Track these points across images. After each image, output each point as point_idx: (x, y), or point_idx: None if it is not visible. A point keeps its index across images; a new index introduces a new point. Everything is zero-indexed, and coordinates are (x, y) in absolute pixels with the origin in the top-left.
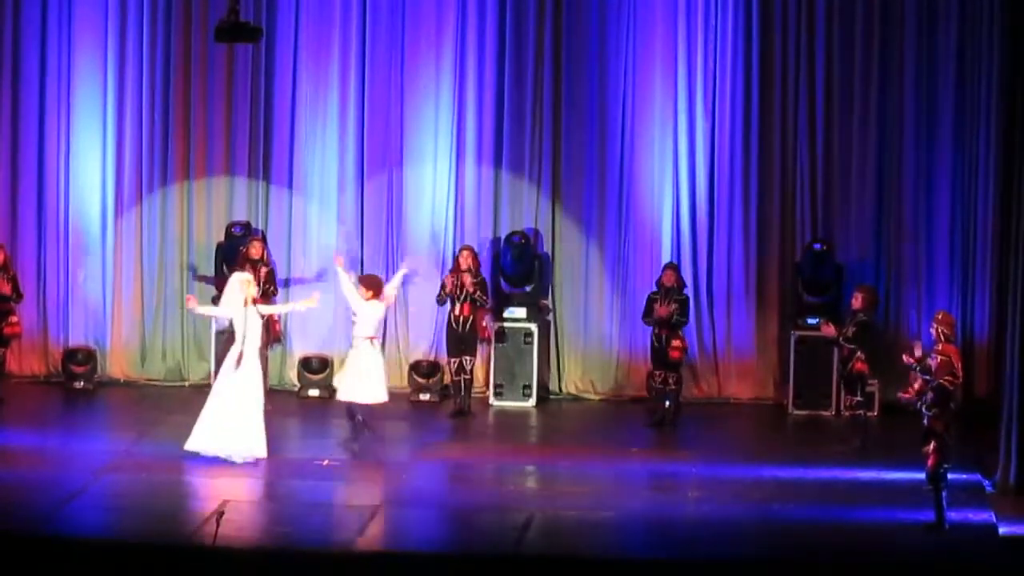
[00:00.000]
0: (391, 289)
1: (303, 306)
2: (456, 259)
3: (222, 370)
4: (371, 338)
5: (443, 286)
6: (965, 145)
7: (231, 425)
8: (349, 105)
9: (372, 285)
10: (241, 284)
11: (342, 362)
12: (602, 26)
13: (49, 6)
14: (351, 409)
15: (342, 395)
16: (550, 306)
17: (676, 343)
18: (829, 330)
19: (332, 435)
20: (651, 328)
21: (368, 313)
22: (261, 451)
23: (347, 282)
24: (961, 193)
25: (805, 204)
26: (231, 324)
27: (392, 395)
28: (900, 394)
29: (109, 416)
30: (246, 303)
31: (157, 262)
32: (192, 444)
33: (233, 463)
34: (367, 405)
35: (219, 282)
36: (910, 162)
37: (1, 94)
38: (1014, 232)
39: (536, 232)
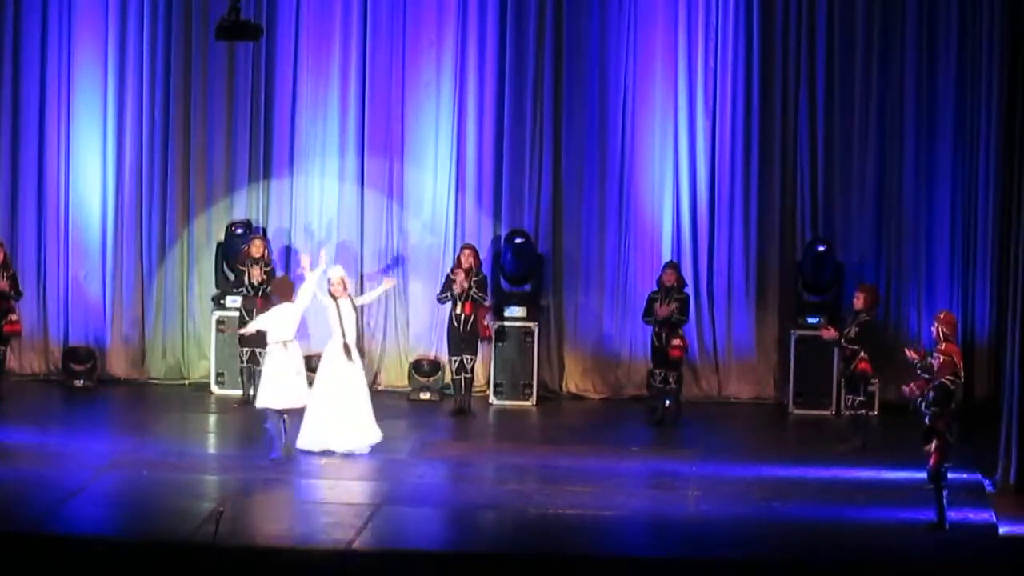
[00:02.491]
0: (363, 299)
1: (388, 286)
2: (457, 258)
3: (323, 366)
4: (284, 342)
5: (447, 285)
6: (965, 145)
7: (347, 418)
8: (350, 103)
9: (280, 289)
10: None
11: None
12: (603, 24)
13: (49, 6)
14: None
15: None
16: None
17: (676, 342)
18: (829, 333)
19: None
20: (651, 327)
21: (282, 316)
22: (378, 435)
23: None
24: (961, 193)
25: (806, 203)
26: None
27: (392, 394)
28: (904, 387)
29: (109, 414)
30: (337, 296)
31: (157, 260)
32: (304, 442)
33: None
34: (287, 409)
35: (220, 281)
36: (910, 162)
37: (1, 93)
38: (1014, 232)
39: (537, 231)
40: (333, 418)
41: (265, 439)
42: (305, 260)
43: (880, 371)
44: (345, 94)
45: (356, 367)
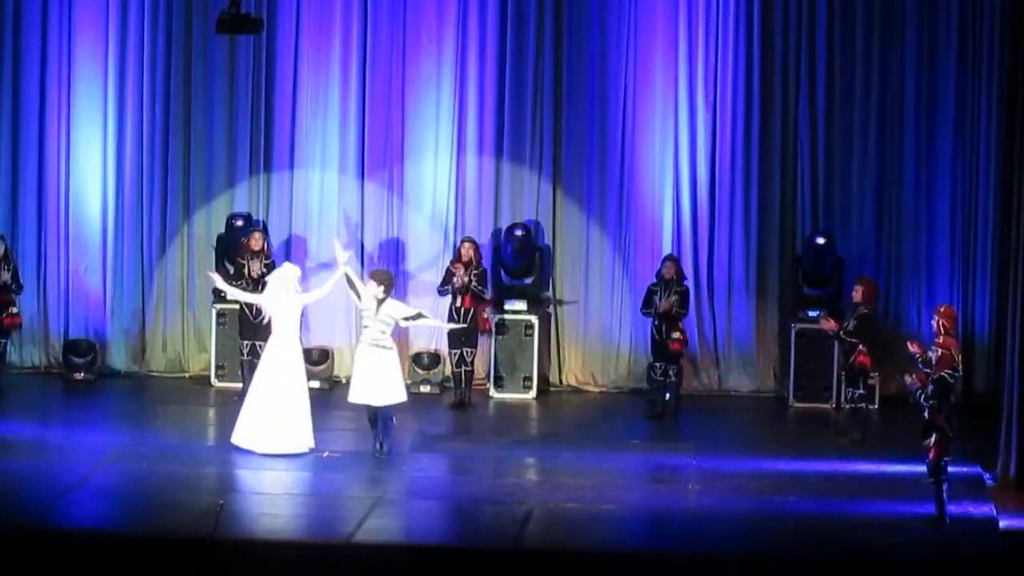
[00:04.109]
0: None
1: (339, 274)
2: (457, 251)
3: (262, 365)
4: (385, 347)
5: (448, 277)
6: (965, 141)
7: (278, 420)
8: (350, 97)
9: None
10: (286, 275)
11: (342, 353)
12: (603, 18)
13: (50, 5)
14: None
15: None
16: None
17: (676, 335)
18: (829, 324)
19: (332, 427)
20: (651, 320)
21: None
22: (310, 442)
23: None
24: (962, 186)
25: (805, 197)
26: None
27: None
28: (904, 376)
29: (109, 408)
30: (285, 294)
31: (158, 253)
32: (238, 439)
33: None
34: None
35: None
36: (911, 154)
37: (1, 89)
38: (1014, 226)
39: (537, 224)
40: (269, 416)
41: (386, 435)
42: (341, 254)
43: (880, 365)
44: (345, 88)
45: (297, 367)
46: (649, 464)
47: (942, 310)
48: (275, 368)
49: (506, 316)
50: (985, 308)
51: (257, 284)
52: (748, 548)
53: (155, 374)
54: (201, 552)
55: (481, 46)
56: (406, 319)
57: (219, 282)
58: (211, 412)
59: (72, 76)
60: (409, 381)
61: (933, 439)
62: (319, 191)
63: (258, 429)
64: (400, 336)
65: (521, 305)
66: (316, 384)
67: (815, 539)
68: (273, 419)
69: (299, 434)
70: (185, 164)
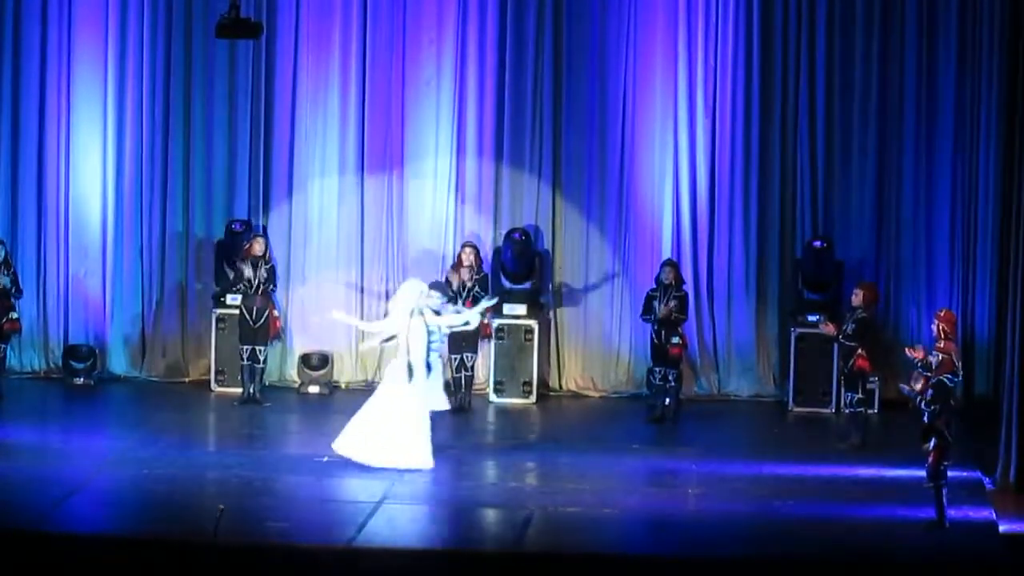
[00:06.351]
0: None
1: (475, 313)
2: (457, 256)
3: (386, 378)
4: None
5: (448, 283)
6: (965, 144)
7: (392, 436)
8: (350, 102)
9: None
10: (412, 292)
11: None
12: (603, 22)
13: (49, 6)
14: None
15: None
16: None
17: (676, 340)
18: (829, 329)
19: (332, 431)
20: (651, 325)
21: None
22: (428, 462)
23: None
24: (961, 190)
25: (805, 201)
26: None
27: None
28: (902, 384)
29: (109, 412)
30: (412, 314)
31: (158, 258)
32: (341, 447)
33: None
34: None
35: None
36: (910, 159)
37: (1, 93)
38: (1014, 230)
39: (537, 229)
40: (381, 431)
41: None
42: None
43: (879, 369)
44: (345, 92)
45: (412, 388)
46: (649, 468)
47: (942, 314)
48: (398, 386)
49: (506, 321)
50: (985, 312)
51: (258, 289)
52: (748, 552)
53: (155, 379)
54: (201, 556)
55: (480, 50)
56: (450, 326)
57: (345, 318)
58: (211, 417)
59: (72, 81)
60: None
61: (933, 443)
62: (319, 195)
63: (379, 444)
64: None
65: (521, 309)
66: (316, 389)
67: (815, 543)
68: (397, 435)
69: (423, 451)
70: (185, 169)
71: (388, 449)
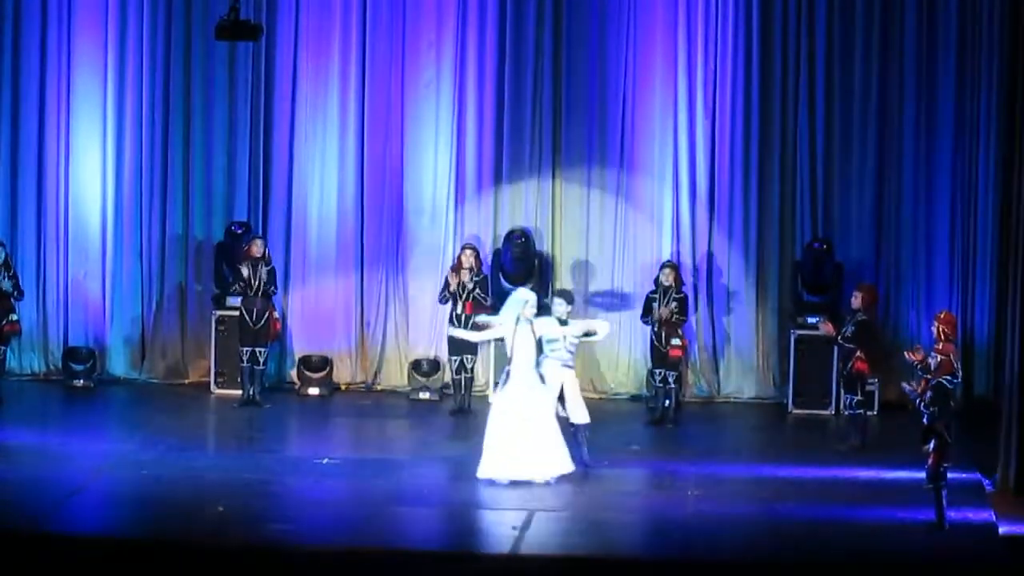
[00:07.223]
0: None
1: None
2: (458, 257)
3: (501, 392)
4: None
5: (447, 284)
6: (965, 144)
7: (528, 447)
8: (349, 103)
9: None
10: (517, 301)
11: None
12: (602, 23)
13: (49, 6)
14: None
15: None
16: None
17: (676, 342)
18: (828, 328)
19: (331, 433)
20: (651, 327)
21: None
22: (567, 466)
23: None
24: (961, 192)
25: (805, 203)
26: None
27: (392, 394)
28: (904, 384)
29: (109, 414)
30: (517, 321)
31: (158, 260)
32: (486, 471)
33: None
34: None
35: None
36: (910, 161)
37: (1, 93)
38: (1014, 232)
39: (536, 230)
40: (516, 444)
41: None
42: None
43: (879, 371)
44: (345, 94)
45: (537, 391)
46: (649, 470)
47: (942, 316)
48: (523, 398)
49: None
50: (984, 314)
51: (257, 291)
52: (748, 554)
53: (154, 381)
54: (200, 558)
55: (480, 52)
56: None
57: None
58: (211, 419)
59: (72, 82)
60: (409, 388)
61: (932, 445)
62: (319, 196)
63: (527, 457)
64: (400, 342)
65: None
66: (315, 391)
67: (814, 545)
68: (542, 445)
69: (562, 456)
70: (185, 170)
71: (537, 461)
